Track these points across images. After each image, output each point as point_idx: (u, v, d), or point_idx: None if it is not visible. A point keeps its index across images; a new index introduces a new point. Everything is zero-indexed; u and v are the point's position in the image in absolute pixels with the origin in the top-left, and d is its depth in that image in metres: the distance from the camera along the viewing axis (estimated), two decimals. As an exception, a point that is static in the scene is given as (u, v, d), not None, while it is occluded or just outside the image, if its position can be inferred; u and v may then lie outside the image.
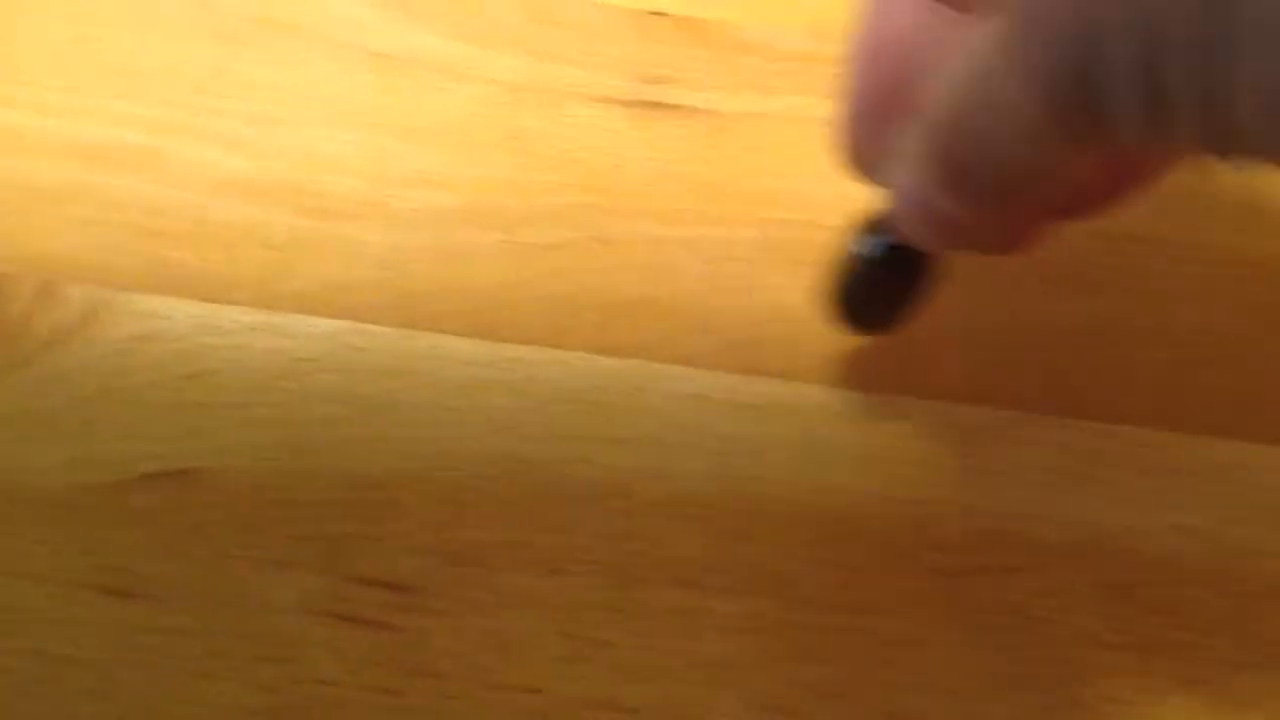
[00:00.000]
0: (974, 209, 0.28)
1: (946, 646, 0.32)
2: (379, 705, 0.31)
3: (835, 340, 0.36)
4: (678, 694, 0.32)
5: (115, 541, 0.33)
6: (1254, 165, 0.24)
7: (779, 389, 0.35)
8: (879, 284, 0.33)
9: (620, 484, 0.34)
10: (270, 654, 0.32)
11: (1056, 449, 0.34)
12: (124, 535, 0.33)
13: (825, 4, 0.42)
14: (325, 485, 0.33)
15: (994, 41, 0.25)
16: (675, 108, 0.40)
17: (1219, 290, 0.37)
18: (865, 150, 0.31)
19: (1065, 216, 0.31)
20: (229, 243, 0.37)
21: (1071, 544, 0.33)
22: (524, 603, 0.32)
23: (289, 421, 0.34)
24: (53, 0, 0.41)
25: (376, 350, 0.35)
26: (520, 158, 0.38)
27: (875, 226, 0.33)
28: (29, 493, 0.33)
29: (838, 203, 0.37)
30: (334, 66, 0.40)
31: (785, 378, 0.35)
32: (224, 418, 0.34)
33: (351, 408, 0.34)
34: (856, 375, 0.35)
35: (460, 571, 0.33)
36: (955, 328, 0.36)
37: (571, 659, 0.32)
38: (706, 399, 0.35)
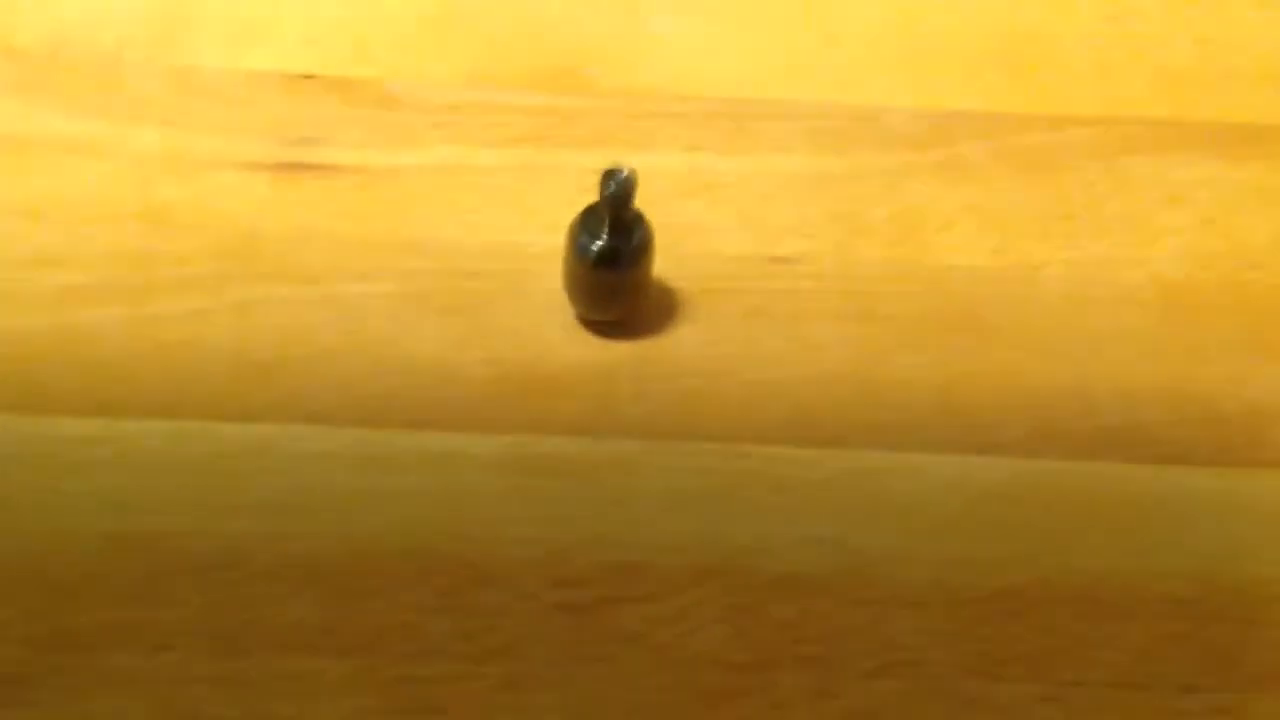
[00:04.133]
0: None
1: (569, 683, 0.31)
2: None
3: (468, 386, 0.35)
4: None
5: None
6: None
7: (410, 439, 0.34)
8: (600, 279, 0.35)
9: (236, 552, 0.32)
10: None
11: (688, 474, 0.34)
12: None
13: (475, 55, 0.42)
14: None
15: None
16: (322, 167, 0.39)
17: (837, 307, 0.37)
18: None
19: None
20: None
21: (700, 567, 0.32)
22: (124, 683, 0.31)
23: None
24: None
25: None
26: (155, 230, 0.37)
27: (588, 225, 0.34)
28: None
29: (484, 249, 0.37)
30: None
31: (417, 427, 0.34)
32: None
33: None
34: (486, 419, 0.34)
35: (60, 659, 0.31)
36: (569, 361, 0.36)
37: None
38: (334, 456, 0.34)
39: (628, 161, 0.39)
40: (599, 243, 0.35)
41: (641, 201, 0.38)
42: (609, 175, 0.34)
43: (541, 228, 0.38)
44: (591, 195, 0.38)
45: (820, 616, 0.32)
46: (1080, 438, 0.35)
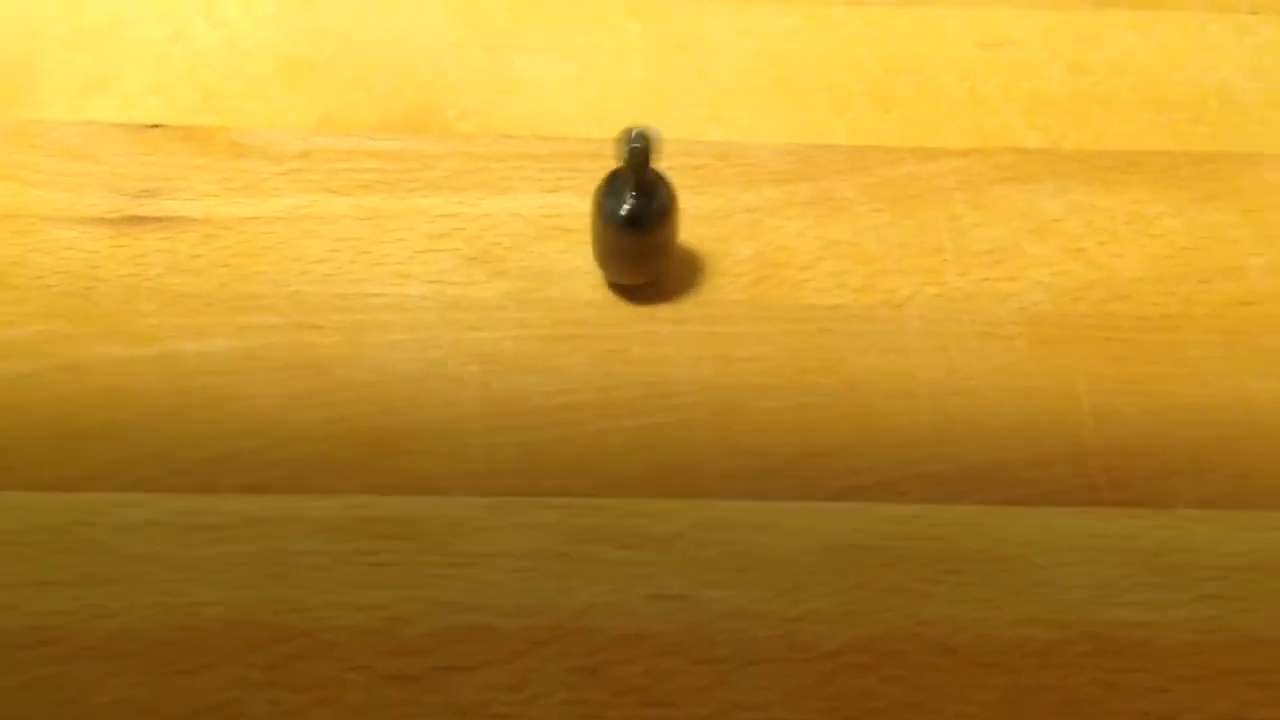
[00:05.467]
0: None
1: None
2: None
3: (306, 446, 0.33)
4: None
5: None
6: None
7: (242, 504, 0.33)
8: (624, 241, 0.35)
9: (51, 629, 0.31)
10: None
11: (533, 531, 0.32)
12: None
13: (329, 99, 0.41)
14: None
15: None
16: (164, 220, 0.38)
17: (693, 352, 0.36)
18: None
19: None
20: None
21: (542, 629, 0.31)
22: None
23: None
24: None
25: None
26: (-15, 291, 0.37)
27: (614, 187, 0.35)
28: None
29: (328, 302, 0.36)
30: None
31: (250, 492, 0.33)
32: None
33: None
34: (324, 480, 0.33)
35: None
36: (414, 415, 0.34)
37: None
38: (160, 525, 0.32)
39: (484, 205, 0.39)
40: (625, 205, 0.35)
41: (498, 245, 0.37)
42: (629, 135, 0.35)
43: (389, 277, 0.37)
44: (443, 241, 0.37)
45: (666, 677, 0.30)
46: (940, 480, 0.34)
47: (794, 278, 0.38)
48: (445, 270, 0.37)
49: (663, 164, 0.38)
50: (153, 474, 0.33)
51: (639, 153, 0.35)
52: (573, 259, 0.38)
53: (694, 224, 0.38)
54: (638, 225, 0.35)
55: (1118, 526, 0.33)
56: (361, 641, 0.31)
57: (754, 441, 0.34)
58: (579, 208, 0.39)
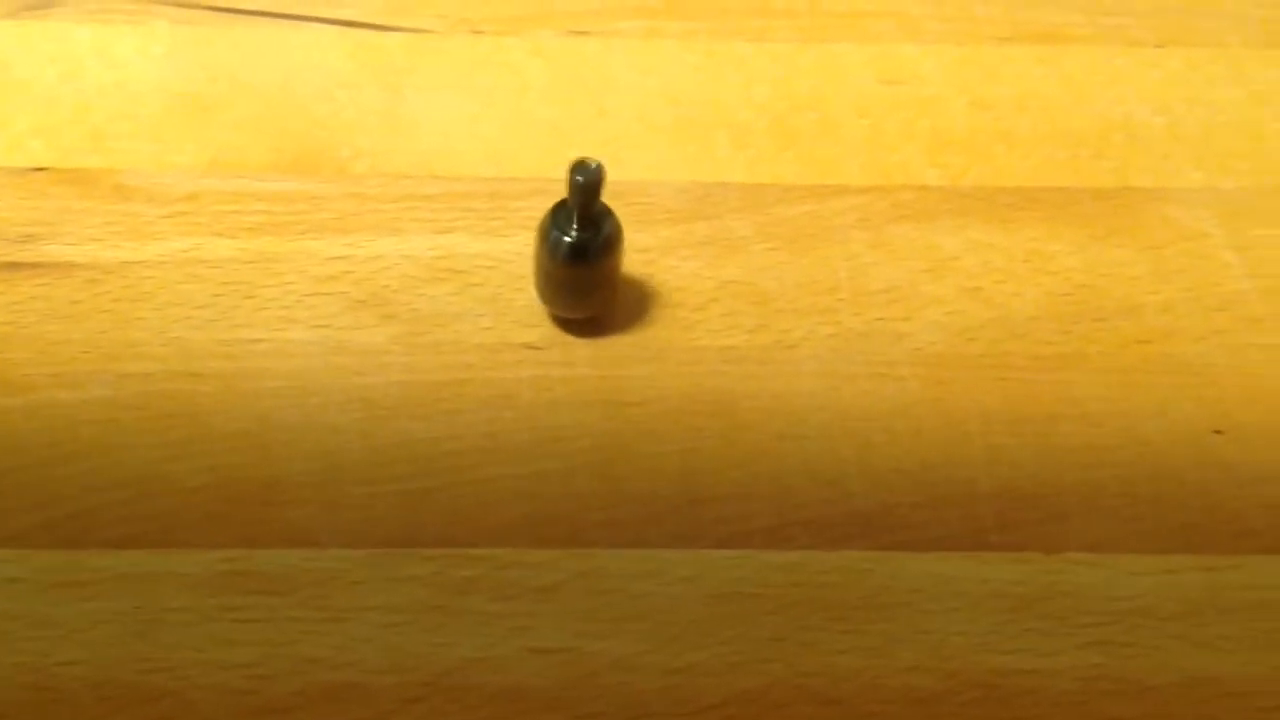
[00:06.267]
0: None
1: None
2: None
3: (180, 498, 0.33)
4: None
5: None
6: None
7: (111, 560, 0.32)
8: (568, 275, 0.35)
9: (-94, 692, 0.31)
10: None
11: (410, 584, 0.31)
12: None
13: (220, 141, 0.40)
14: None
15: None
16: (45, 265, 0.37)
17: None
18: None
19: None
20: None
21: (414, 686, 0.30)
22: None
23: None
24: None
25: None
26: None
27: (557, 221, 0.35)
28: None
29: (209, 348, 0.35)
30: None
31: (119, 546, 0.32)
32: None
33: None
34: (198, 533, 0.32)
35: None
36: (293, 465, 0.33)
37: None
38: (24, 582, 0.31)
39: (374, 247, 0.38)
40: (568, 238, 0.35)
41: (387, 288, 0.37)
42: (576, 168, 0.34)
43: (273, 321, 0.36)
44: (330, 284, 0.37)
45: (542, 734, 0.30)
46: (828, 525, 0.33)
47: (687, 319, 0.37)
48: (332, 314, 0.37)
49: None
50: (19, 529, 0.32)
51: (586, 186, 0.34)
52: (463, 301, 0.37)
53: (588, 265, 0.38)
54: (583, 258, 0.35)
55: (1006, 571, 0.32)
56: (228, 701, 0.30)
57: (639, 488, 0.34)
58: (471, 248, 0.38)
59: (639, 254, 0.38)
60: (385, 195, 0.39)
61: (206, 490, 0.33)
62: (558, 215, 0.35)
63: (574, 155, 0.42)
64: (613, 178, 0.41)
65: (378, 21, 0.43)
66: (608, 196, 0.40)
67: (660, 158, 0.41)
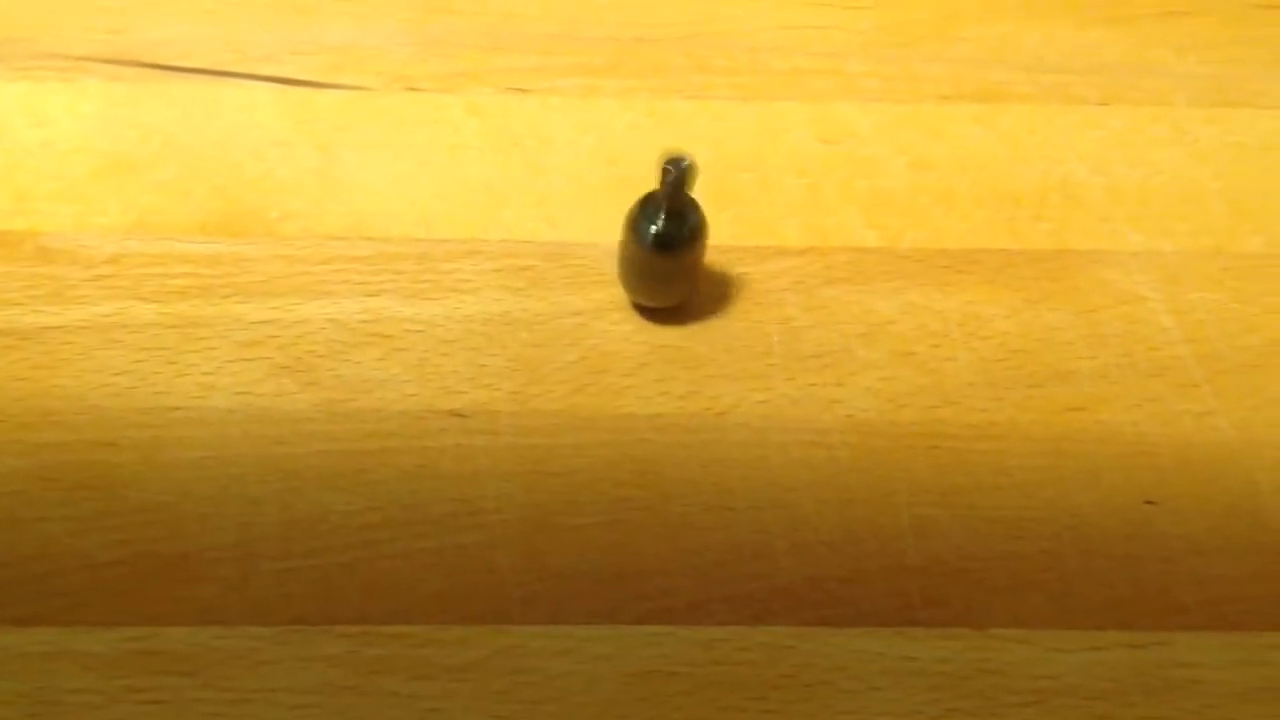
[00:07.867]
0: None
1: None
2: None
3: (87, 573, 0.32)
4: None
5: None
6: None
7: (11, 639, 0.31)
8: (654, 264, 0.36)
9: None
10: None
11: (321, 664, 0.31)
12: None
13: (146, 202, 0.39)
14: None
15: None
16: (-39, 332, 0.37)
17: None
18: None
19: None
20: None
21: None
22: None
23: None
24: None
25: None
26: None
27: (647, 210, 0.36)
28: None
29: (128, 416, 0.34)
30: None
31: (19, 625, 0.31)
32: None
33: None
34: (104, 610, 0.31)
35: None
36: (206, 539, 0.33)
37: None
38: (-76, 661, 0.32)
39: (300, 311, 0.38)
40: (654, 227, 0.36)
41: (311, 353, 0.36)
42: (668, 160, 0.35)
43: (194, 388, 0.35)
44: (254, 349, 0.36)
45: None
46: (752, 600, 0.33)
47: (616, 384, 0.37)
48: (254, 381, 0.36)
49: (487, 265, 0.38)
50: (-80, 607, 0.32)
51: (676, 178, 0.35)
52: (389, 366, 0.36)
53: (516, 329, 0.37)
54: (668, 248, 0.36)
55: (930, 648, 0.32)
56: (129, 787, 0.30)
57: (560, 562, 0.33)
58: (398, 312, 0.37)
59: (571, 317, 0.38)
60: (314, 257, 0.39)
61: (117, 565, 0.32)
62: (646, 206, 0.36)
63: (505, 216, 0.42)
64: (545, 238, 0.41)
65: (314, 79, 0.42)
66: (539, 257, 0.40)
67: (594, 219, 0.40)
